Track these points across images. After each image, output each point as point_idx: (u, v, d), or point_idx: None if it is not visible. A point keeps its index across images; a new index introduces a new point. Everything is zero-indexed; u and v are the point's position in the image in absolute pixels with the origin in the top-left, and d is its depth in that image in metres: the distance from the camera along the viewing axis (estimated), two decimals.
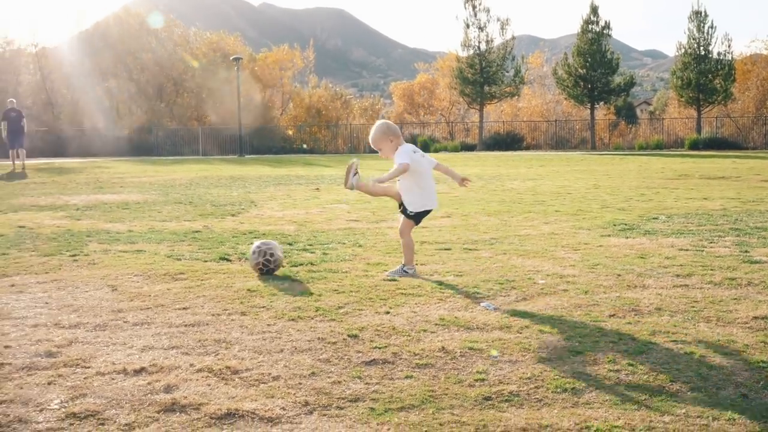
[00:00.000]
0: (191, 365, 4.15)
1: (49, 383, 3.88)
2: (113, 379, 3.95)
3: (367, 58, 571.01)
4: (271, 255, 6.68)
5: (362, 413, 3.49)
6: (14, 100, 30.31)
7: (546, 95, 74.24)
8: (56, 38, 68.14)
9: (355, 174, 7.00)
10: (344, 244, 8.65)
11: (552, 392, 3.76)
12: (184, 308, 5.43)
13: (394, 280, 6.46)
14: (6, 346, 4.52)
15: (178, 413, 3.49)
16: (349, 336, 4.69)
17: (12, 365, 4.18)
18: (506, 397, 3.70)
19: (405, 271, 6.84)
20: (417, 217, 6.97)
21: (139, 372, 4.04)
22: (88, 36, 64.07)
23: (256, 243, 6.84)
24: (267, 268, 6.68)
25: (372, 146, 7.01)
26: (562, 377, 3.95)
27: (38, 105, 62.70)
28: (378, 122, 7.13)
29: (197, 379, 3.93)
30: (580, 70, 59.39)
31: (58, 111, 62.19)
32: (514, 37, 63.54)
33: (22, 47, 63.33)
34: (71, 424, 3.36)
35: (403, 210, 6.99)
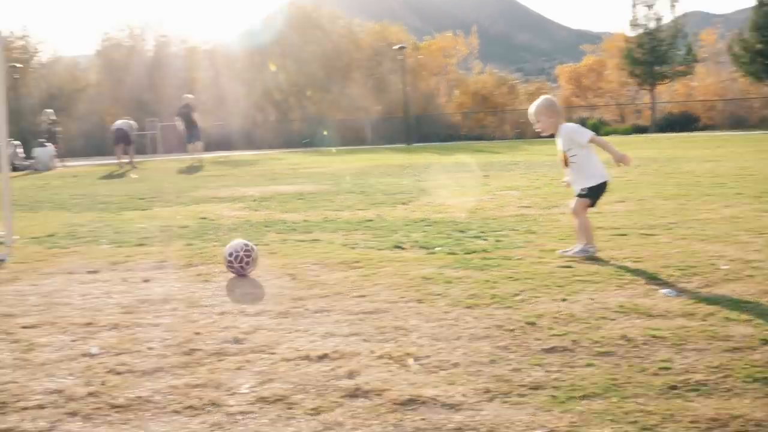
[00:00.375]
0: (371, 352, 4.23)
1: (238, 368, 4.04)
2: (298, 365, 4.07)
3: (531, 42, 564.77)
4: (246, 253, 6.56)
5: (544, 401, 3.48)
6: (189, 95, 31.44)
7: (721, 73, 71.52)
8: (227, 35, 70.20)
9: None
10: (517, 230, 8.61)
11: (742, 382, 3.64)
12: (361, 296, 5.54)
13: (569, 266, 6.38)
14: (196, 333, 4.73)
15: (361, 399, 3.57)
16: (526, 323, 4.67)
17: (203, 351, 4.37)
18: (693, 387, 3.61)
19: (586, 250, 6.82)
20: (592, 194, 6.90)
21: (322, 358, 4.15)
22: (257, 31, 65.84)
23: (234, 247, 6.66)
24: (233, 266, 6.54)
25: (532, 119, 7.02)
26: (753, 367, 3.82)
27: (213, 101, 64.88)
28: (542, 97, 7.17)
29: (378, 366, 4.00)
30: (757, 45, 56.93)
31: (232, 106, 64.15)
32: (684, 14, 61.59)
33: (196, 45, 65.73)
34: (261, 408, 3.49)
35: (581, 191, 6.92)
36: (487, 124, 63.07)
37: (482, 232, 8.53)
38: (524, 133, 59.91)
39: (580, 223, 6.95)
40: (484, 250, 7.32)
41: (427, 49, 69.47)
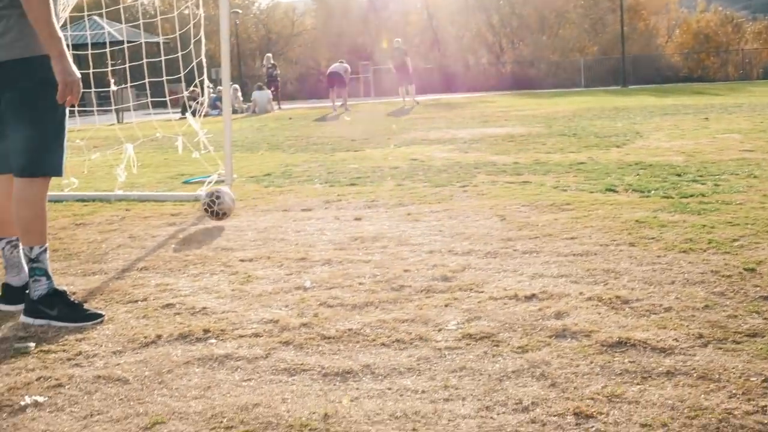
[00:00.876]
0: (580, 293, 4.19)
1: (445, 305, 4.10)
2: (505, 304, 4.08)
3: None
4: (217, 198, 6.60)
5: (761, 349, 3.35)
6: (398, 40, 31.75)
7: None
8: None
9: None
10: (737, 175, 8.25)
11: None
12: (571, 238, 5.48)
13: None
14: (405, 270, 4.82)
15: (569, 339, 3.55)
16: (745, 270, 4.50)
17: (412, 287, 4.46)
18: None
19: None
20: None
21: (529, 298, 4.15)
22: None
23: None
24: (211, 209, 6.57)
25: None
26: None
27: (425, 44, 65.22)
28: None
29: (587, 308, 3.96)
30: None
31: (444, 48, 64.28)
32: None
33: None
34: (468, 344, 3.53)
35: None
36: (709, 65, 60.42)
37: (700, 176, 8.24)
38: (749, 74, 57.11)
39: None
40: (702, 194, 7.07)
41: None
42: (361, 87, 49.59)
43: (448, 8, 63.70)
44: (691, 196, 7.03)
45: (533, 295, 4.18)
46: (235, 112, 29.11)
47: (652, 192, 7.32)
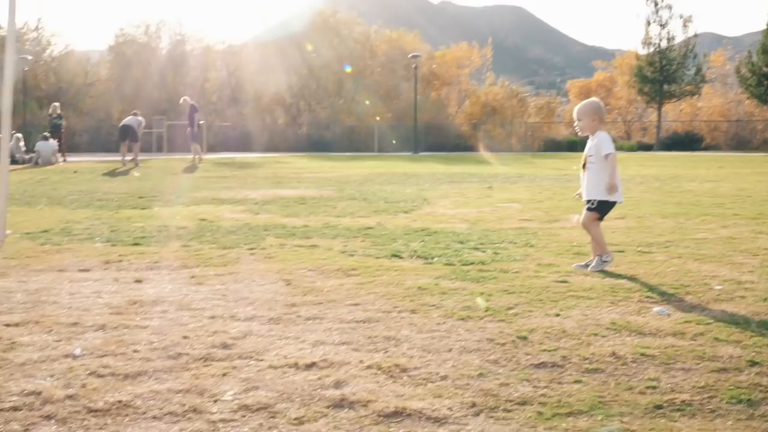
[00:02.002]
0: (361, 361, 4.18)
1: (224, 374, 3.99)
2: (285, 372, 4.02)
3: (544, 56, 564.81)
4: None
5: (530, 417, 3.44)
6: (186, 97, 31.56)
7: (727, 94, 71.41)
8: (243, 36, 70.36)
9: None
10: (515, 243, 8.57)
11: (726, 403, 3.60)
12: (355, 304, 5.50)
13: (564, 281, 6.34)
14: (184, 337, 4.68)
15: (346, 409, 3.52)
16: (518, 337, 4.63)
17: (190, 355, 4.32)
18: (678, 407, 3.56)
19: (604, 261, 6.95)
20: (601, 209, 7.06)
21: (310, 366, 4.11)
22: (273, 34, 65.89)
23: None
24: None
25: (575, 116, 7.23)
26: (738, 388, 3.77)
27: (223, 101, 64.99)
28: (591, 99, 7.45)
29: (366, 376, 3.96)
30: (764, 68, 56.90)
31: (242, 107, 64.22)
32: (696, 35, 61.68)
33: (211, 45, 65.70)
34: (243, 416, 3.44)
35: (589, 203, 7.09)
36: (495, 135, 62.95)
37: (481, 244, 8.49)
38: (531, 146, 59.86)
39: (592, 236, 7.07)
40: (482, 262, 7.28)
41: (441, 58, 69.47)
42: (153, 142, 48.67)
43: (248, 67, 63.79)
44: (472, 263, 7.22)
45: (314, 364, 4.14)
46: (15, 162, 27.89)
47: (436, 259, 7.48)
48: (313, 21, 65.14)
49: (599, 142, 7.01)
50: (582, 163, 7.18)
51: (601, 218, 7.10)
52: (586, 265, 7.03)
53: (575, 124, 7.23)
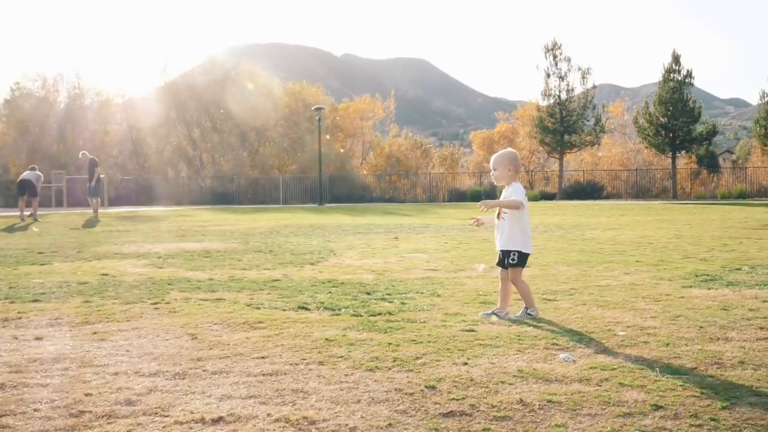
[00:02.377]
0: (268, 415, 4.15)
1: None
2: (191, 428, 3.96)
3: (447, 108, 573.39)
4: None
5: None
6: (85, 152, 31.29)
7: (627, 144, 73.58)
8: (143, 89, 69.67)
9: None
10: (422, 293, 8.62)
11: None
12: (262, 357, 5.45)
13: (472, 329, 6.40)
14: (87, 394, 4.58)
15: None
16: (426, 387, 4.65)
17: (92, 413, 4.22)
18: None
19: (529, 314, 7.06)
20: (523, 261, 7.17)
21: (216, 421, 4.05)
22: (174, 86, 65.50)
23: None
24: None
25: (491, 165, 7.31)
26: None
27: (124, 154, 64.28)
28: (508, 149, 7.56)
29: (274, 430, 3.92)
30: (661, 118, 58.81)
31: (143, 160, 63.55)
32: (594, 86, 63.35)
33: (110, 98, 64.89)
34: None
35: (505, 261, 7.18)
36: (400, 186, 63.54)
37: (388, 294, 8.52)
38: (436, 196, 60.48)
39: (520, 290, 7.18)
40: (389, 312, 7.30)
41: (344, 110, 70.03)
42: (53, 196, 47.78)
43: (148, 120, 63.21)
44: (379, 314, 7.24)
45: (221, 418, 4.09)
46: None
47: (343, 310, 7.47)
48: (214, 73, 65.01)
49: (512, 192, 7.14)
50: (496, 213, 7.28)
51: (523, 266, 7.22)
52: (492, 314, 7.11)
53: (491, 173, 7.32)
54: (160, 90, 66.09)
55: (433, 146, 78.20)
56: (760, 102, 60.14)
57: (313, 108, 57.69)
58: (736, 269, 10.64)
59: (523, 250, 7.14)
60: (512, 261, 7.13)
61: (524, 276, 7.31)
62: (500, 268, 7.30)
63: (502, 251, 7.19)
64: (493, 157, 7.37)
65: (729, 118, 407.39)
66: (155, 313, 7.47)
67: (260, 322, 6.82)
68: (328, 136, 63.09)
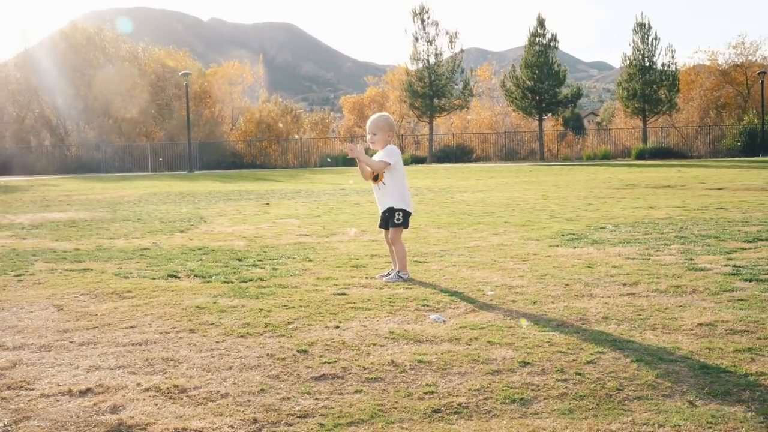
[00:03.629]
0: (138, 384, 4.09)
1: None
2: (58, 400, 3.88)
3: (317, 73, 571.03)
4: None
5: (311, 429, 3.46)
6: None
7: (495, 107, 74.82)
8: (1, 55, 67.29)
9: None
10: (294, 259, 8.62)
11: (501, 403, 3.75)
12: (131, 327, 5.37)
13: (343, 293, 6.44)
14: None
15: None
16: (298, 351, 4.66)
17: None
18: (455, 409, 3.69)
19: (401, 277, 7.10)
20: (407, 220, 7.26)
21: (84, 393, 3.98)
22: (35, 53, 63.42)
23: None
24: None
25: (369, 129, 7.29)
26: (511, 388, 3.95)
27: None
28: (383, 113, 7.49)
29: (144, 399, 3.87)
30: (527, 82, 59.93)
31: (4, 129, 61.41)
32: (462, 51, 63.97)
33: None
34: None
35: (389, 220, 7.23)
36: (271, 152, 63.16)
37: (260, 260, 8.49)
38: (307, 162, 60.37)
39: (398, 251, 7.20)
40: (261, 279, 7.28)
41: (212, 76, 68.96)
42: None
43: (7, 87, 61.05)
44: (251, 280, 7.20)
45: (89, 389, 4.01)
46: None
47: (213, 277, 7.42)
48: (76, 39, 63.14)
49: (384, 155, 7.17)
50: (372, 176, 7.30)
51: (406, 227, 7.28)
52: (388, 274, 7.19)
53: (368, 138, 7.30)
54: (20, 57, 63.89)
55: (303, 111, 77.81)
56: (622, 65, 61.98)
57: (180, 73, 56.72)
58: (600, 228, 10.99)
59: (409, 209, 7.23)
60: (397, 221, 7.19)
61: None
62: (383, 230, 7.37)
63: (388, 209, 7.22)
64: (370, 120, 7.35)
65: (593, 80, 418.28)
66: (19, 285, 7.26)
67: (129, 292, 6.71)
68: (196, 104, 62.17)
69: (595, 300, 5.99)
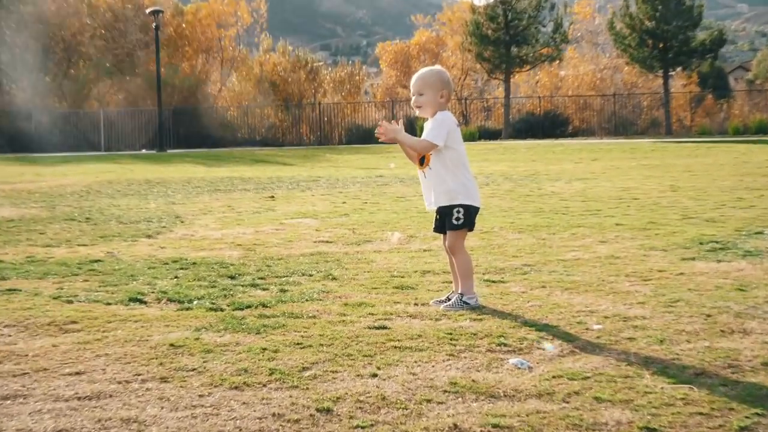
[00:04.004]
0: None
1: None
2: None
3: (344, 9, 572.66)
4: None
5: None
6: None
7: (600, 59, 74.57)
8: None
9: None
10: (311, 276, 8.62)
11: None
12: (77, 373, 5.37)
13: (384, 326, 6.40)
14: None
15: None
16: (318, 410, 4.63)
17: None
18: None
19: (465, 303, 7.04)
20: (470, 219, 7.19)
21: None
22: None
23: None
24: None
25: (414, 88, 7.22)
26: None
27: None
28: (435, 66, 7.49)
29: None
30: (647, 22, 59.65)
31: None
32: None
33: None
34: None
35: (444, 221, 7.23)
36: (277, 123, 63.38)
37: (261, 279, 8.51)
38: (329, 136, 60.51)
39: (460, 264, 7.17)
40: (263, 305, 7.27)
41: (193, 15, 69.32)
42: None
43: None
44: (249, 307, 7.19)
45: None
46: None
47: (195, 302, 7.42)
48: None
49: (432, 127, 7.09)
50: (419, 158, 7.26)
51: (470, 228, 7.25)
52: (447, 299, 7.15)
53: (413, 101, 7.23)
54: None
55: (324, 65, 78.04)
56: None
57: (147, 11, 56.99)
58: (757, 233, 10.88)
59: (470, 203, 7.15)
60: (456, 222, 7.12)
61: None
62: (441, 235, 7.33)
63: (441, 209, 7.19)
64: (415, 76, 7.27)
65: (742, 20, 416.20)
66: None
67: (74, 323, 6.73)
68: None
69: (750, 338, 5.91)
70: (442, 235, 7.34)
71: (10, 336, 6.40)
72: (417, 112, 7.36)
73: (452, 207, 7.12)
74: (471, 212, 7.16)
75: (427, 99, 7.14)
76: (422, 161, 7.23)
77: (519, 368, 5.33)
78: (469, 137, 54.17)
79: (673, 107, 62.74)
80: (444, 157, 7.09)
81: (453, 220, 7.13)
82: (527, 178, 21.40)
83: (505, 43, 61.53)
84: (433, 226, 7.40)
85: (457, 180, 7.12)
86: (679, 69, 63.63)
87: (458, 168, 7.14)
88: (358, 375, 5.23)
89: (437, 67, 7.47)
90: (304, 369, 5.36)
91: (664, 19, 59.19)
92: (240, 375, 5.25)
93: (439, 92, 7.14)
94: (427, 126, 7.16)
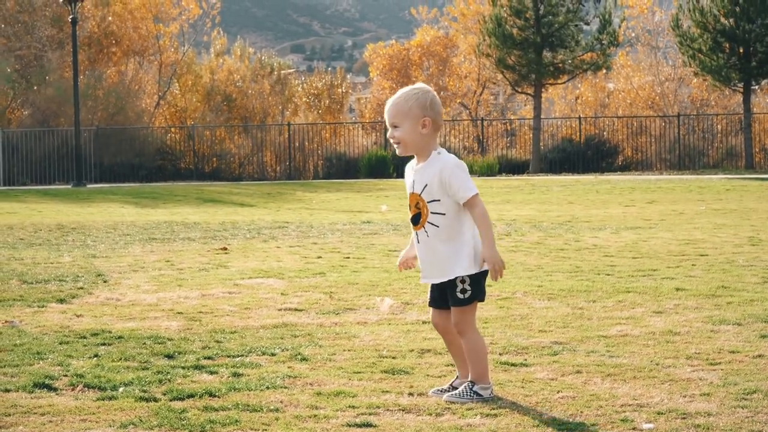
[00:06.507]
0: None
1: None
2: None
3: (322, 1, 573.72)
4: None
5: None
6: None
7: (661, 68, 74.56)
8: None
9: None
10: (274, 355, 8.65)
11: None
12: None
13: (368, 423, 6.45)
14: None
15: None
16: None
17: None
18: None
19: (477, 393, 7.04)
20: (479, 291, 7.17)
21: None
22: None
23: None
24: None
25: (388, 119, 7.11)
26: None
27: None
28: (418, 85, 7.28)
29: None
30: (723, 19, 59.54)
31: None
32: None
33: None
34: None
35: (448, 294, 7.15)
36: (234, 150, 63.35)
37: (208, 359, 8.54)
38: (300, 169, 60.51)
39: (469, 346, 7.14)
40: (210, 394, 7.30)
41: (122, 6, 69.35)
42: None
43: None
44: (192, 396, 7.22)
45: None
46: None
47: (121, 389, 7.44)
48: None
49: (447, 177, 6.96)
50: (411, 213, 7.26)
51: (482, 299, 7.23)
52: (452, 387, 7.16)
53: (389, 134, 7.11)
54: None
55: (296, 73, 78.10)
56: None
57: (61, 1, 57.09)
58: None
59: (476, 271, 7.08)
60: (462, 295, 7.07)
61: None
62: (434, 310, 7.34)
63: (441, 283, 7.16)
64: (388, 104, 7.14)
65: None
66: None
67: None
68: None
69: None
70: (434, 310, 7.33)
71: None
72: (396, 148, 7.20)
73: (454, 281, 7.05)
74: (479, 280, 7.13)
75: (404, 132, 7.00)
76: (416, 220, 7.14)
77: None
78: (486, 170, 54.11)
79: (756, 132, 62.63)
80: (449, 215, 7.02)
81: (458, 294, 7.06)
82: (561, 226, 21.44)
83: (535, 46, 61.42)
84: (429, 299, 7.39)
85: (465, 239, 7.05)
86: (764, 82, 63.62)
87: (466, 222, 7.09)
88: None
89: (417, 86, 7.24)
90: None
91: (746, 17, 59.08)
92: None
93: (419, 121, 6.96)
94: (427, 172, 7.05)
